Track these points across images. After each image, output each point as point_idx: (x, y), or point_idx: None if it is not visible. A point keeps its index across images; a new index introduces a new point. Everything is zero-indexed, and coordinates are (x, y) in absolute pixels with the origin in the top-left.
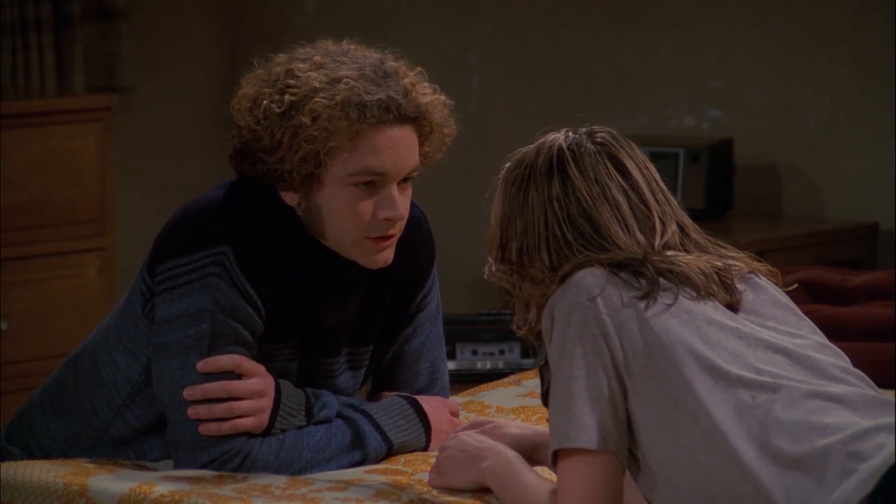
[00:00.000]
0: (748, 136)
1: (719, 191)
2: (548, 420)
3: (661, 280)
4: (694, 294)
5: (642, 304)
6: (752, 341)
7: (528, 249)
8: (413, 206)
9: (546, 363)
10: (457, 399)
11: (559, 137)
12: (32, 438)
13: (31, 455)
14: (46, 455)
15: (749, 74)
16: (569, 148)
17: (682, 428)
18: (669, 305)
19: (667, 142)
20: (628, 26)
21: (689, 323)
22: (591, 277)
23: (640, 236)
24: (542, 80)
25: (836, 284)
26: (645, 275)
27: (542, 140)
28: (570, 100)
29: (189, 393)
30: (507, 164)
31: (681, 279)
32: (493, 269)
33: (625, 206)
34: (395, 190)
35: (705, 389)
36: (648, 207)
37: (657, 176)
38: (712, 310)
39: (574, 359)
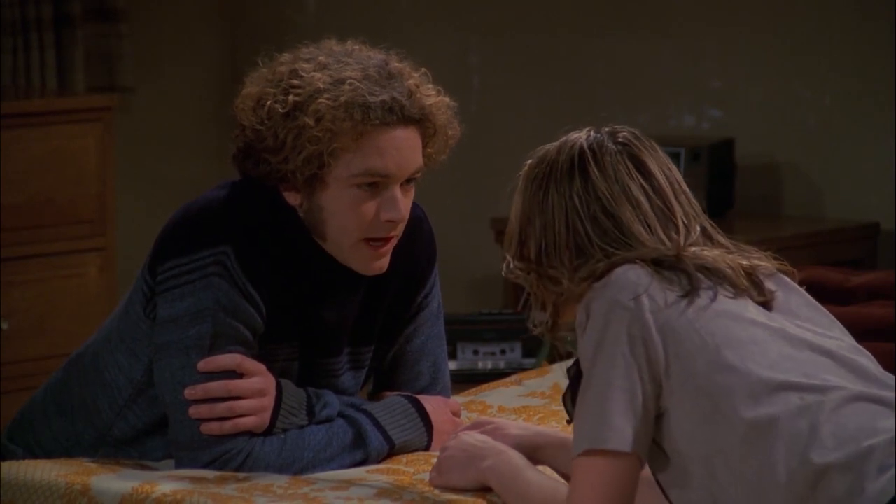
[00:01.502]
0: (749, 135)
1: (720, 190)
2: (574, 417)
3: (701, 277)
4: (732, 292)
5: (685, 303)
6: (798, 343)
7: (546, 248)
8: (414, 205)
9: (575, 364)
10: (458, 399)
11: (581, 136)
12: (34, 438)
13: (32, 455)
14: (48, 455)
15: (749, 74)
16: (590, 147)
17: (718, 429)
18: (712, 304)
19: (668, 142)
20: (629, 26)
21: (734, 324)
22: (633, 274)
23: (663, 236)
24: (542, 81)
25: (837, 284)
26: (686, 272)
27: (564, 139)
28: (571, 100)
29: (190, 392)
30: (529, 162)
31: (718, 276)
32: (511, 266)
33: (646, 206)
34: (397, 191)
35: (747, 395)
36: (671, 208)
37: (679, 177)
38: (754, 310)
39: (611, 359)
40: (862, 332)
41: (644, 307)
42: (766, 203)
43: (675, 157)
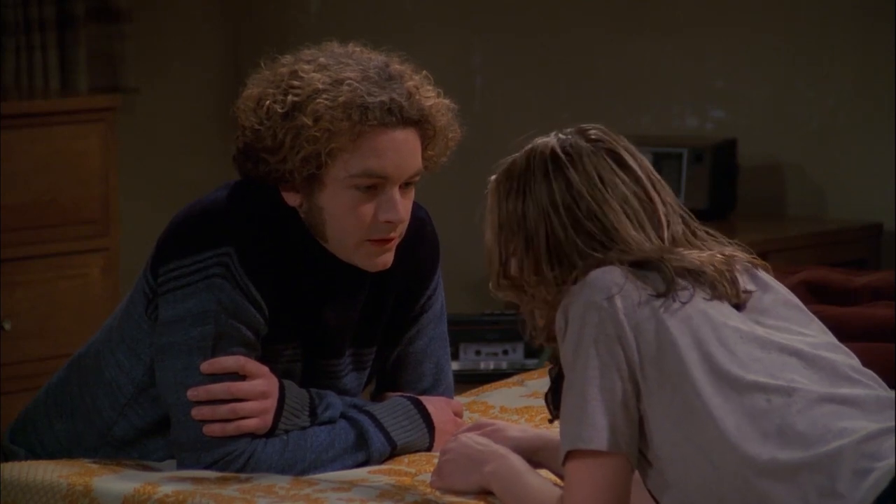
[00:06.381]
0: (752, 136)
1: (723, 191)
2: (559, 420)
3: (679, 279)
4: (709, 294)
5: (659, 303)
6: (767, 344)
7: (530, 264)
8: (417, 206)
9: (555, 363)
10: (460, 399)
11: (550, 141)
12: (36, 438)
13: (34, 455)
14: (50, 455)
15: (752, 75)
16: (563, 150)
17: (693, 429)
18: (685, 306)
19: (670, 142)
20: (632, 27)
21: (705, 325)
22: (608, 276)
23: (651, 232)
24: (545, 81)
25: (840, 285)
26: (663, 273)
27: (530, 146)
28: (573, 101)
29: (193, 394)
30: (496, 176)
31: (697, 278)
32: (498, 283)
33: (634, 202)
34: (396, 193)
35: (715, 394)
36: (652, 200)
37: (651, 167)
38: (728, 311)
39: (588, 360)
40: (864, 333)
41: (618, 307)
42: (768, 204)
43: (677, 158)
